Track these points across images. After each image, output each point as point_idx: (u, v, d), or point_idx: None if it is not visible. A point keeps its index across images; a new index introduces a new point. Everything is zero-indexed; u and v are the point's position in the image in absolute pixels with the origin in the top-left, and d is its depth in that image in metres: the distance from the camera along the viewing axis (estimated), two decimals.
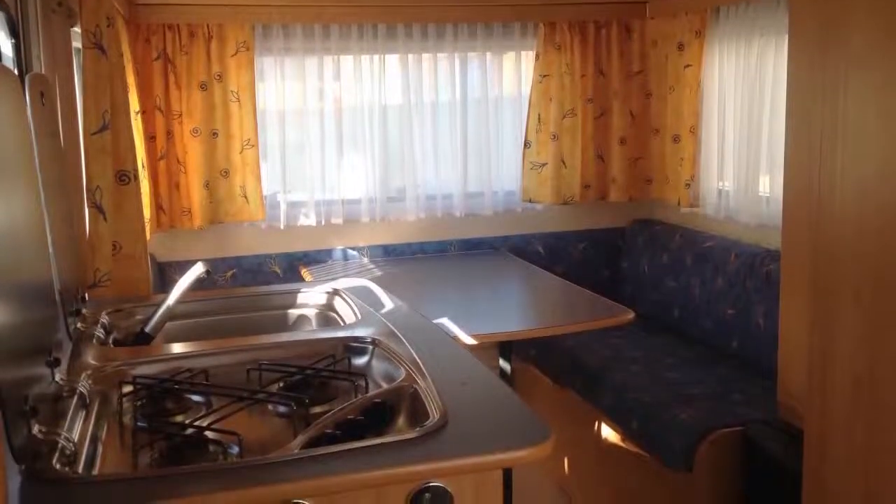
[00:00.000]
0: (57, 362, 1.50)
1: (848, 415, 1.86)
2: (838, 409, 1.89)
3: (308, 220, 3.80)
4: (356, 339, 1.91)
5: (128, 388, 1.67)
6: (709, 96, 3.65)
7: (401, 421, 1.53)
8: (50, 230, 1.65)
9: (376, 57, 3.77)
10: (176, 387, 1.68)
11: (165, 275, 3.58)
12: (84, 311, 2.05)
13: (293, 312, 2.36)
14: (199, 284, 2.14)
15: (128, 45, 3.17)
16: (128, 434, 1.53)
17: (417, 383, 1.59)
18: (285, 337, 2.07)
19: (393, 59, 3.83)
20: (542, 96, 3.93)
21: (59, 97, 2.20)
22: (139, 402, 1.65)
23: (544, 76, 3.91)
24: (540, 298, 3.51)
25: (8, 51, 1.75)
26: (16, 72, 1.76)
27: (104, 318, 2.09)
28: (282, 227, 3.77)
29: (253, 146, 3.62)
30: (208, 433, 1.46)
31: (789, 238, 2.12)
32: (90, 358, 1.77)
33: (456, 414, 1.42)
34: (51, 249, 1.65)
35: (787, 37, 2.19)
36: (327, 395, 1.67)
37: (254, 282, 3.77)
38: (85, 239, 2.36)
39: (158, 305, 2.08)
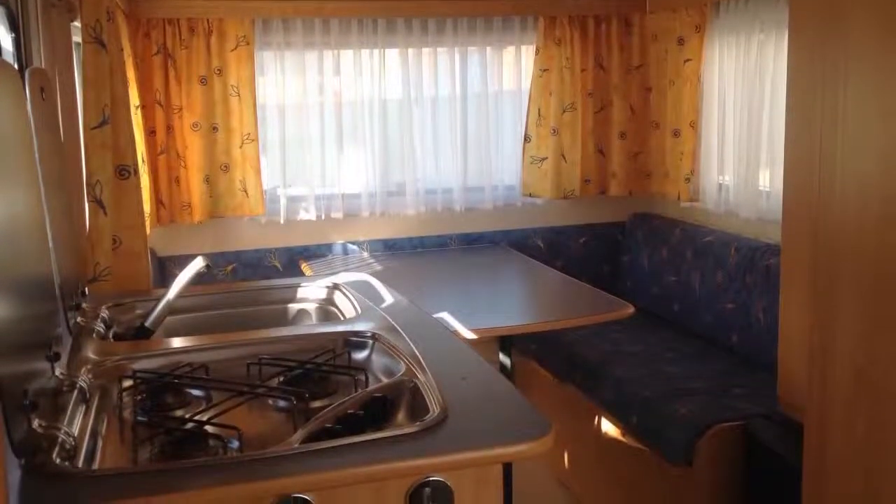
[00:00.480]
0: (57, 357, 1.49)
1: (848, 409, 1.86)
2: (839, 404, 1.89)
3: (308, 214, 3.80)
4: (356, 333, 1.91)
5: (128, 383, 1.67)
6: (709, 91, 3.64)
7: (401, 415, 1.52)
8: (50, 225, 1.65)
9: (376, 51, 3.77)
10: (176, 381, 1.68)
11: (165, 269, 3.58)
12: (84, 305, 2.04)
13: (293, 307, 2.35)
14: (199, 279, 2.14)
15: (128, 40, 3.17)
16: (128, 428, 1.53)
17: (417, 378, 1.58)
18: (285, 331, 2.07)
19: (393, 54, 3.83)
20: (542, 91, 3.93)
21: (59, 92, 2.20)
22: (139, 397, 1.65)
23: (544, 70, 3.91)
24: (540, 293, 3.51)
25: (8, 45, 1.74)
26: (16, 66, 1.76)
27: (104, 313, 2.09)
28: (282, 221, 3.77)
29: (253, 140, 3.62)
30: (208, 427, 1.46)
31: (789, 232, 2.12)
32: (90, 352, 1.77)
33: (456, 408, 1.42)
34: (51, 244, 1.65)
35: (786, 31, 2.18)
36: (327, 389, 1.67)
37: (254, 276, 3.77)
38: (85, 233, 2.36)
39: (158, 300, 2.08)
